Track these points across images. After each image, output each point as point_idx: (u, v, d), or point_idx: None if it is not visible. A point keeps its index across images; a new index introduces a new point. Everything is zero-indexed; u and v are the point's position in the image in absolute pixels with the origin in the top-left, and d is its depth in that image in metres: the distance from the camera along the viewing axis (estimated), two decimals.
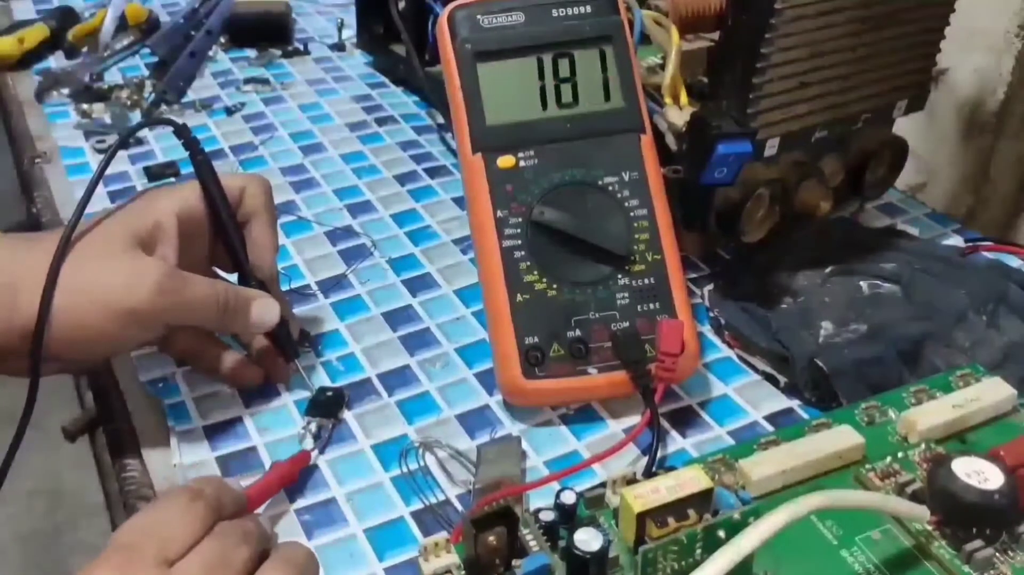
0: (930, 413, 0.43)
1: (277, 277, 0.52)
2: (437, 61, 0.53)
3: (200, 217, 0.48)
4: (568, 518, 0.38)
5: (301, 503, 0.44)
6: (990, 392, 0.44)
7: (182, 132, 0.49)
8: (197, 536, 0.34)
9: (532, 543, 0.37)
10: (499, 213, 0.49)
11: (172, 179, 0.69)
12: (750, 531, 0.33)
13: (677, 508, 0.35)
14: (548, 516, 0.37)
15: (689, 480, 0.36)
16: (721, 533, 0.35)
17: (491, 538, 0.35)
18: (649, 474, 0.43)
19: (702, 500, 0.36)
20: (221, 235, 0.49)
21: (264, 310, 0.48)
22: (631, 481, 0.39)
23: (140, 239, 0.45)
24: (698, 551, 0.35)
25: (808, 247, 0.58)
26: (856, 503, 0.37)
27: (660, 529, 0.35)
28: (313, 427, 0.48)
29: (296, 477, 0.44)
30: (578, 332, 0.47)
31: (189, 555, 0.34)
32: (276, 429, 0.48)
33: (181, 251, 0.46)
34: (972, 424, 0.44)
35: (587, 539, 0.35)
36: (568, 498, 0.38)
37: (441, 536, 0.37)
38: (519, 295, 0.48)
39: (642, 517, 0.35)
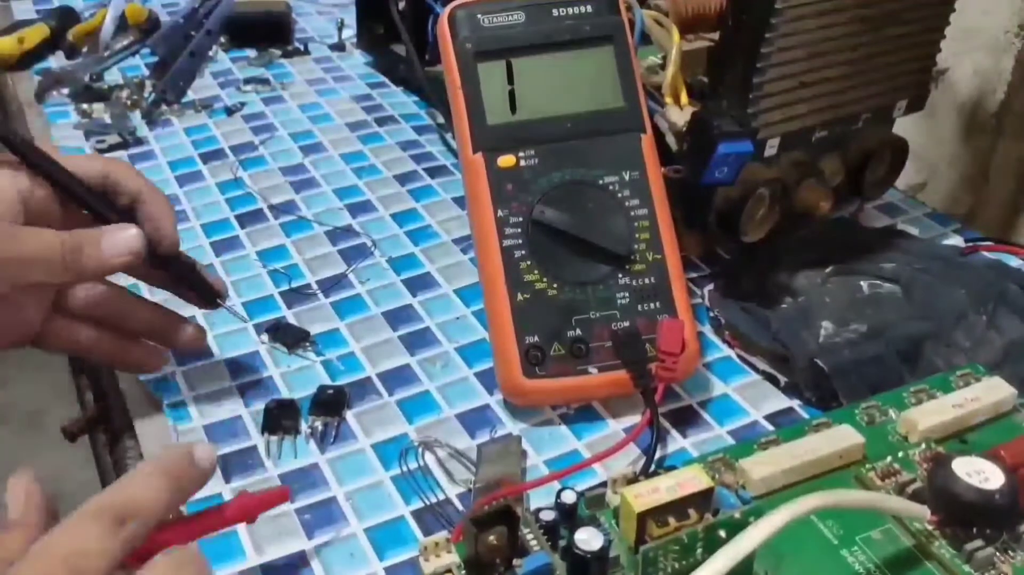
0: (930, 413, 0.43)
1: (177, 242, 0.47)
2: (437, 61, 0.53)
3: (47, 198, 0.44)
4: (569, 518, 0.38)
5: (301, 503, 0.44)
6: (990, 392, 0.44)
7: None
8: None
9: (533, 543, 0.37)
10: (500, 212, 0.49)
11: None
12: (751, 531, 0.33)
13: (677, 508, 0.35)
14: (549, 516, 0.37)
15: (689, 480, 0.36)
16: (722, 533, 0.35)
17: (492, 538, 0.35)
18: (647, 474, 0.43)
19: (702, 500, 0.36)
20: (83, 207, 0.45)
21: (117, 234, 0.43)
22: (632, 481, 0.39)
23: None
24: (699, 551, 0.35)
25: (808, 247, 0.58)
26: (857, 503, 0.37)
27: (661, 529, 0.35)
28: (319, 425, 0.48)
29: (256, 517, 0.39)
30: (578, 331, 0.48)
31: None
32: None
33: None
34: (972, 424, 0.44)
35: (587, 539, 0.35)
36: (568, 498, 0.38)
37: (441, 535, 0.37)
38: (519, 294, 0.48)
39: (643, 517, 0.35)
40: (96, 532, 0.31)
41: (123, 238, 0.44)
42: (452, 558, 0.36)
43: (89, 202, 0.45)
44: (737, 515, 0.35)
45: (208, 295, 0.49)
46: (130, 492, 0.34)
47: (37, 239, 0.42)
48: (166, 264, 0.47)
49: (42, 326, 0.46)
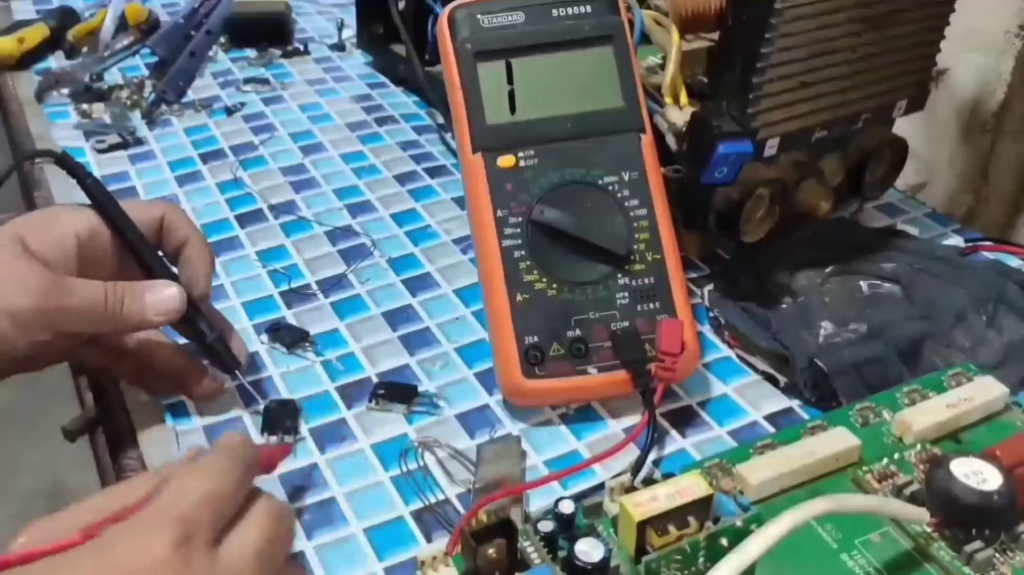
0: (924, 413, 0.43)
1: (208, 295, 0.49)
2: (437, 61, 0.53)
3: (104, 240, 0.46)
4: (567, 528, 0.37)
5: (301, 503, 0.44)
6: (982, 391, 0.44)
7: (64, 162, 0.47)
8: (242, 508, 0.33)
9: (532, 554, 0.36)
10: (499, 212, 0.49)
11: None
12: (755, 538, 0.33)
13: (677, 516, 0.35)
14: (547, 527, 0.37)
15: (688, 487, 0.36)
16: (724, 541, 0.35)
17: (491, 551, 0.35)
18: (636, 474, 0.43)
19: (702, 507, 0.36)
20: (134, 257, 0.47)
21: (160, 291, 0.45)
22: (629, 489, 0.39)
23: (31, 249, 0.43)
24: (701, 560, 0.35)
25: (808, 247, 0.58)
26: (859, 507, 0.37)
27: (661, 537, 0.35)
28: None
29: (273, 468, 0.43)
30: (578, 332, 0.47)
31: (237, 535, 0.32)
32: None
33: (81, 273, 0.45)
34: (965, 424, 0.44)
35: (588, 550, 0.35)
36: (566, 508, 0.37)
37: (439, 548, 0.36)
38: (519, 295, 0.48)
39: (643, 526, 0.35)
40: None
41: (165, 297, 0.46)
42: (451, 572, 0.36)
43: (142, 253, 0.47)
44: (739, 523, 0.35)
45: (225, 364, 0.49)
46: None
47: (83, 291, 0.44)
48: (193, 325, 0.48)
49: (71, 351, 0.48)
